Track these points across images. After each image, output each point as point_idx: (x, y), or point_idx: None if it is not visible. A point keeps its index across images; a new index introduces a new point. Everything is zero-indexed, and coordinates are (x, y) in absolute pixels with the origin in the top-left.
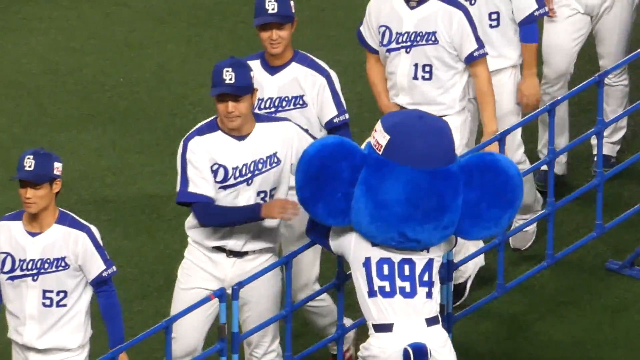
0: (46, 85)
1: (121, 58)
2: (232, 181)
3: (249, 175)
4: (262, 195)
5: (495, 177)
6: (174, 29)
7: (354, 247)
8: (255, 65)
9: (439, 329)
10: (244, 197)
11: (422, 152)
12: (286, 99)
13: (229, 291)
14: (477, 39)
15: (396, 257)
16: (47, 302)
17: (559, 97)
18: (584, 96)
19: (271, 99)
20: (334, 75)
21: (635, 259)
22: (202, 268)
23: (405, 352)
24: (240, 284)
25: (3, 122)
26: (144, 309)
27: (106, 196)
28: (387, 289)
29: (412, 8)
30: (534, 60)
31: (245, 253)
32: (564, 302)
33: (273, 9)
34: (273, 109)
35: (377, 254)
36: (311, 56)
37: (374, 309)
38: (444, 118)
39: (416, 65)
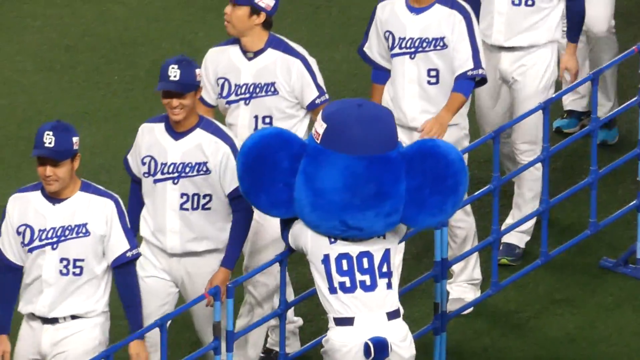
0: (40, 83)
1: (115, 56)
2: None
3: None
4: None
5: (436, 163)
6: (168, 27)
7: (311, 244)
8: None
9: (399, 323)
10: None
11: (357, 139)
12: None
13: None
14: (318, 87)
15: (354, 251)
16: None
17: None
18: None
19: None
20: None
21: (629, 257)
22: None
23: (366, 346)
24: (236, 282)
25: None
26: None
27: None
28: (348, 284)
29: (249, 59)
30: (455, 109)
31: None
32: (558, 300)
33: (175, 77)
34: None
35: (335, 250)
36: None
37: (336, 304)
38: None
39: (256, 116)
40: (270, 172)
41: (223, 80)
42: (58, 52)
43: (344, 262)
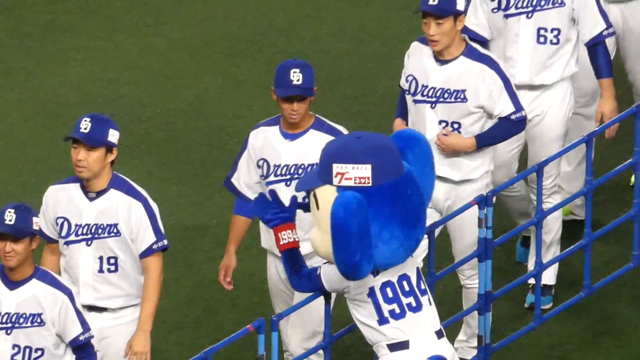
0: None
1: (157, 89)
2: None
3: None
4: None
5: (420, 148)
6: (210, 60)
7: (354, 283)
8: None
9: (447, 341)
10: None
11: (397, 160)
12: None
13: None
14: (157, 232)
15: (394, 276)
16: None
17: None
18: (621, 126)
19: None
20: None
21: None
22: None
23: None
24: (280, 316)
25: (40, 153)
26: (181, 339)
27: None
28: (397, 310)
29: (91, 199)
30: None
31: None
32: (601, 333)
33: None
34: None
35: (379, 281)
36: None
37: (389, 332)
38: None
39: (101, 257)
40: (367, 234)
41: (62, 219)
42: (100, 85)
43: (388, 289)
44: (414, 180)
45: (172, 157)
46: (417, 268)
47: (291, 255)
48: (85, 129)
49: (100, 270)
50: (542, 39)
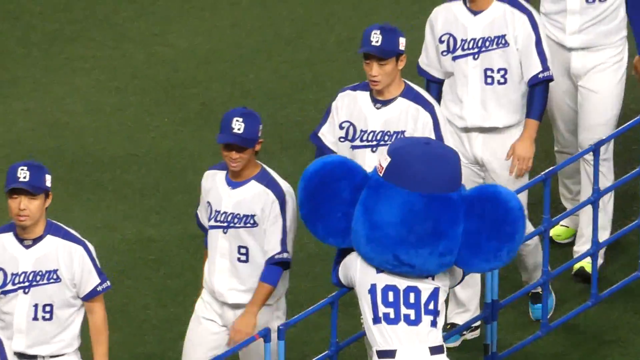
0: (89, 125)
1: (165, 98)
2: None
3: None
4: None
5: (495, 208)
6: (217, 69)
7: (359, 274)
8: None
9: (443, 358)
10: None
11: (420, 176)
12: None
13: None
14: (100, 273)
15: (402, 284)
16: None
17: (605, 137)
18: (628, 135)
19: (374, 132)
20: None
21: None
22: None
23: None
24: (287, 324)
25: (46, 162)
26: None
27: (150, 236)
28: (392, 315)
29: (27, 247)
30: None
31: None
32: (608, 342)
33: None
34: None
35: (382, 280)
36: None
37: (378, 335)
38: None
39: (36, 305)
40: (330, 201)
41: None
42: (107, 94)
43: (391, 293)
44: (433, 214)
45: (179, 165)
46: (437, 289)
47: (344, 251)
48: (25, 177)
49: (35, 318)
50: (489, 80)
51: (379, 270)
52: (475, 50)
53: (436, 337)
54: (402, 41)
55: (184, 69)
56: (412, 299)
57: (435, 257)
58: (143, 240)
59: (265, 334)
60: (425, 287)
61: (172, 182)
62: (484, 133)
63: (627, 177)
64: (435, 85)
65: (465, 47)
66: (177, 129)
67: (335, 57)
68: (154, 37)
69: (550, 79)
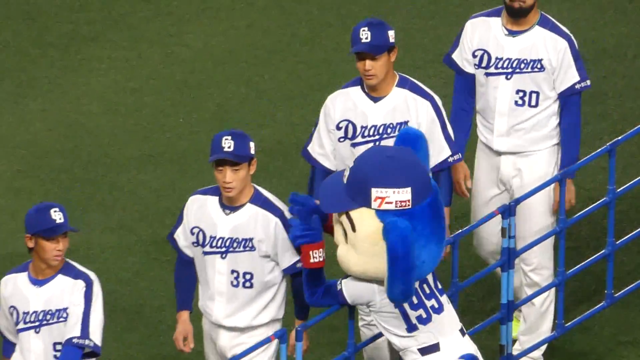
0: (106, 126)
1: (181, 98)
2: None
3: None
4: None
5: (424, 149)
6: (233, 69)
7: (381, 296)
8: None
9: (469, 339)
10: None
11: (426, 177)
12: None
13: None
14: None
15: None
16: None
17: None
18: None
19: (375, 126)
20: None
21: None
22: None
23: None
24: (305, 326)
25: (63, 162)
26: (194, 348)
27: (166, 236)
28: (424, 315)
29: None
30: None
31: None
32: (624, 342)
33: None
34: (377, 137)
35: None
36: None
37: (420, 337)
38: None
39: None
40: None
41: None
42: (123, 94)
43: (413, 297)
44: (437, 190)
45: (195, 166)
46: None
47: (317, 275)
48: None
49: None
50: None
51: None
52: (377, 137)
53: (456, 316)
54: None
55: (199, 70)
56: (427, 289)
57: None
58: (158, 241)
59: (282, 335)
60: None
61: (188, 183)
62: None
63: None
64: (322, 175)
65: (366, 134)
66: (192, 129)
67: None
68: (170, 38)
69: (461, 160)
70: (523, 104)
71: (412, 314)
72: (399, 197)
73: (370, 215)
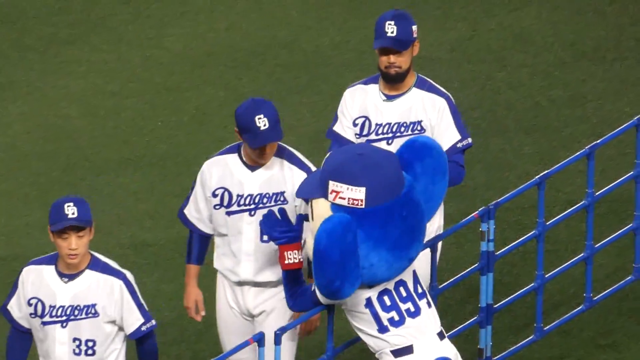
0: (85, 129)
1: (160, 101)
2: None
3: None
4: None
5: (428, 158)
6: (212, 72)
7: (349, 298)
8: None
9: (449, 343)
10: None
11: (395, 180)
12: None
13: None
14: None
15: (390, 284)
16: None
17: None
18: (622, 139)
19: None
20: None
21: None
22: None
23: None
24: (284, 329)
25: (42, 166)
26: (181, 352)
27: (144, 240)
28: (396, 317)
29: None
30: None
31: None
32: (603, 346)
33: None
34: (253, 206)
35: (375, 290)
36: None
37: (392, 339)
38: None
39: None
40: (351, 258)
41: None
42: (102, 97)
43: (386, 298)
44: (413, 200)
45: (174, 169)
46: (414, 271)
47: (294, 276)
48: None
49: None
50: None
51: (369, 286)
52: (252, 206)
53: (437, 321)
54: (415, 28)
55: (179, 72)
56: (403, 292)
57: (423, 238)
58: (137, 244)
59: (260, 339)
60: (407, 274)
61: (167, 186)
62: (256, 287)
63: (621, 181)
64: (199, 239)
65: (242, 203)
66: (171, 132)
67: (330, 60)
68: (149, 41)
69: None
70: None
71: (384, 316)
72: (352, 194)
73: (325, 207)
